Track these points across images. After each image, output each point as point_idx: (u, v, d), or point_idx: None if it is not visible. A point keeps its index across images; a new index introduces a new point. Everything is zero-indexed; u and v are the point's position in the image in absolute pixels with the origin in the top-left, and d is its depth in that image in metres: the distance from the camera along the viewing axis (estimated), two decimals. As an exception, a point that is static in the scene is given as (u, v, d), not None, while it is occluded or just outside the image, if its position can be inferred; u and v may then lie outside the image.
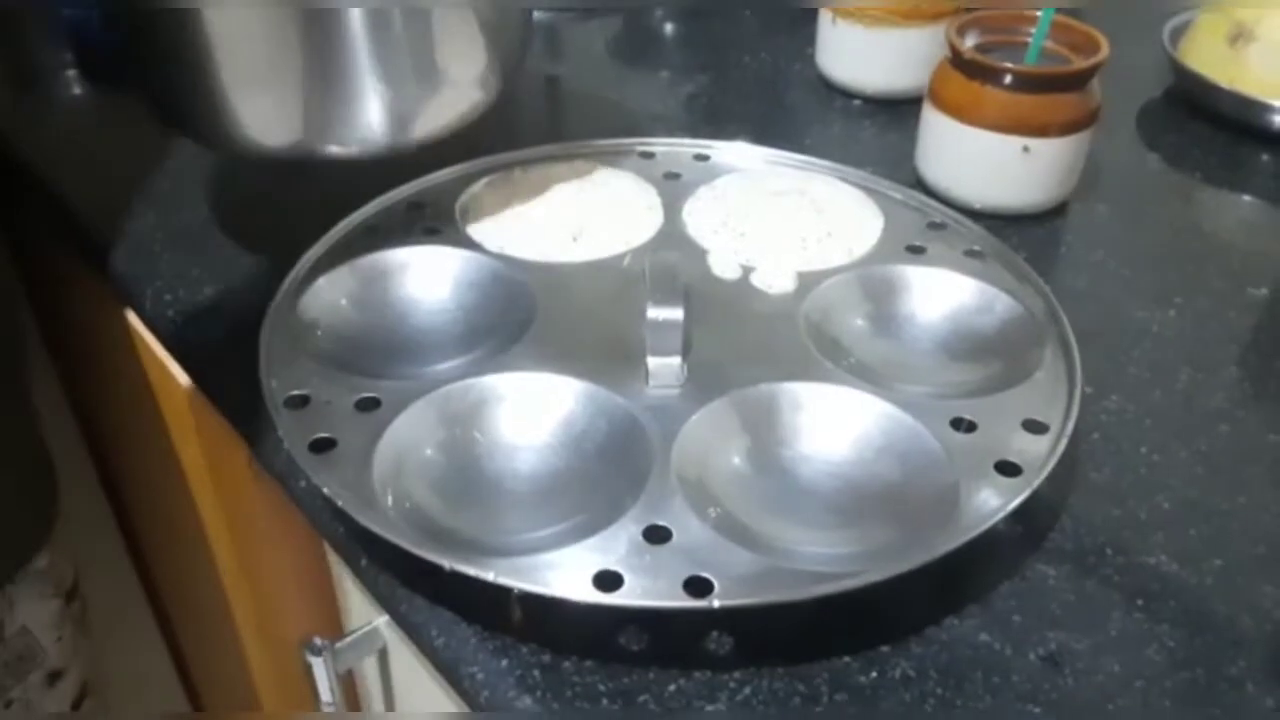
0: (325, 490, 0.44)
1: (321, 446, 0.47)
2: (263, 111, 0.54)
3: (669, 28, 0.95)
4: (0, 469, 0.63)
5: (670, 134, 0.70)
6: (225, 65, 0.53)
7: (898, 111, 0.76)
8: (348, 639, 0.56)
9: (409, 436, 0.48)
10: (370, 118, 0.55)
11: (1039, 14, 0.64)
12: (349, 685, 0.64)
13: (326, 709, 0.57)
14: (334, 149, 0.55)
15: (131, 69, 0.60)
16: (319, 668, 0.55)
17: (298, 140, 0.55)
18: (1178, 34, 0.80)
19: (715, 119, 0.78)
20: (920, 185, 0.68)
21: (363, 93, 0.54)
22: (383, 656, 0.60)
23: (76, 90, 0.82)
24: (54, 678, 0.69)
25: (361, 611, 0.62)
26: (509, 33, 0.59)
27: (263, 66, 0.53)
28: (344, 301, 0.55)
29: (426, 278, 0.57)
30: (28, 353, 0.69)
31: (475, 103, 0.58)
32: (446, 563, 0.41)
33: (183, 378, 0.61)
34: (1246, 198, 0.73)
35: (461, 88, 0.57)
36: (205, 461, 0.67)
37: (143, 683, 1.14)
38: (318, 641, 0.55)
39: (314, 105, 0.54)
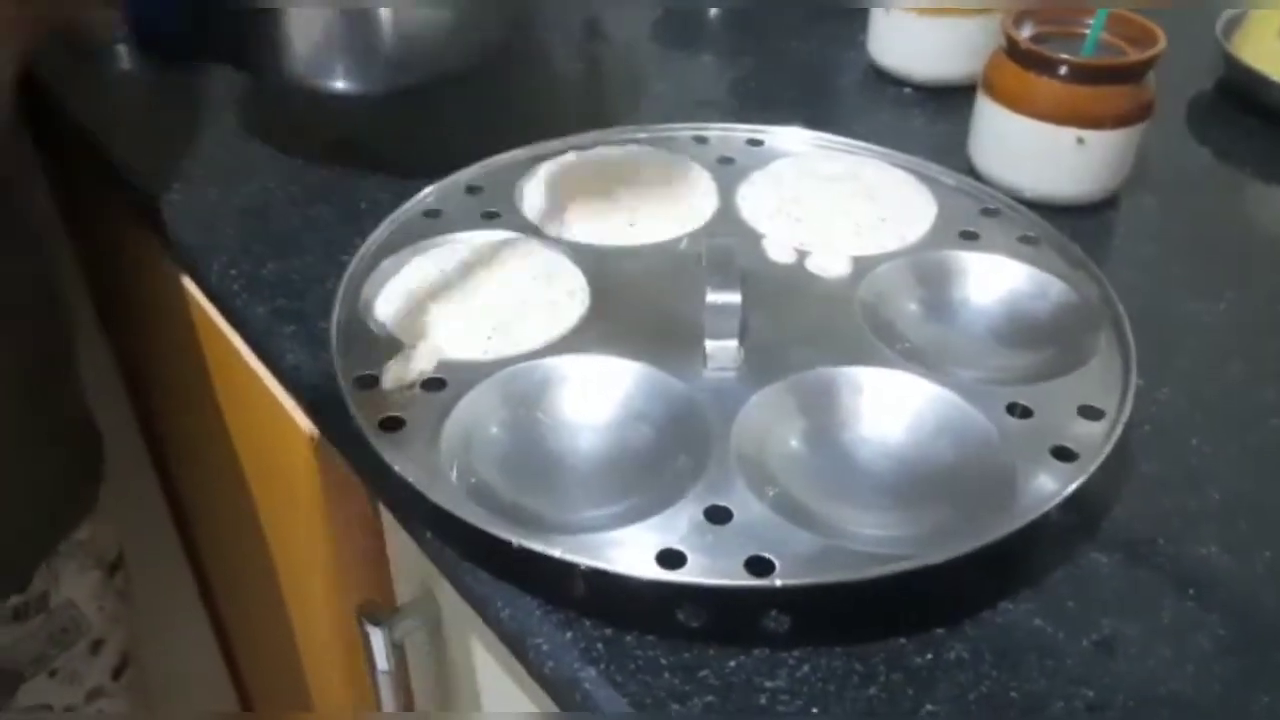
0: (396, 468, 0.45)
1: (391, 425, 0.48)
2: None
3: (713, 13, 0.95)
4: (43, 442, 0.64)
5: (720, 117, 0.71)
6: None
7: (949, 100, 0.76)
8: (405, 609, 0.58)
9: (474, 416, 0.49)
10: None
11: (1095, 7, 0.64)
12: (400, 659, 0.66)
13: (382, 675, 0.58)
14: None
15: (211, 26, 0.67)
16: (376, 637, 0.57)
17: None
18: (1231, 27, 0.80)
19: (764, 105, 0.78)
20: (972, 174, 0.68)
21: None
22: (435, 631, 0.61)
23: (128, 65, 0.83)
24: (96, 646, 0.71)
25: (411, 586, 0.63)
26: None
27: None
28: (407, 283, 0.56)
29: (487, 260, 0.58)
30: (72, 323, 0.70)
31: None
32: (515, 539, 0.42)
33: (245, 351, 0.62)
34: (1297, 192, 0.73)
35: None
36: (259, 436, 0.69)
37: (184, 653, 1.16)
38: (376, 613, 0.56)
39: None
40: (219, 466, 0.81)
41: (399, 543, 0.62)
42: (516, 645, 0.44)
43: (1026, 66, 0.64)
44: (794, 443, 0.48)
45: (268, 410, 0.61)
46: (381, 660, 0.57)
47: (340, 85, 0.64)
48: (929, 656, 0.43)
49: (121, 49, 0.83)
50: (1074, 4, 0.66)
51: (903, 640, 0.44)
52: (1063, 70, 0.63)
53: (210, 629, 1.19)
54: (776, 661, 0.43)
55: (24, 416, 0.62)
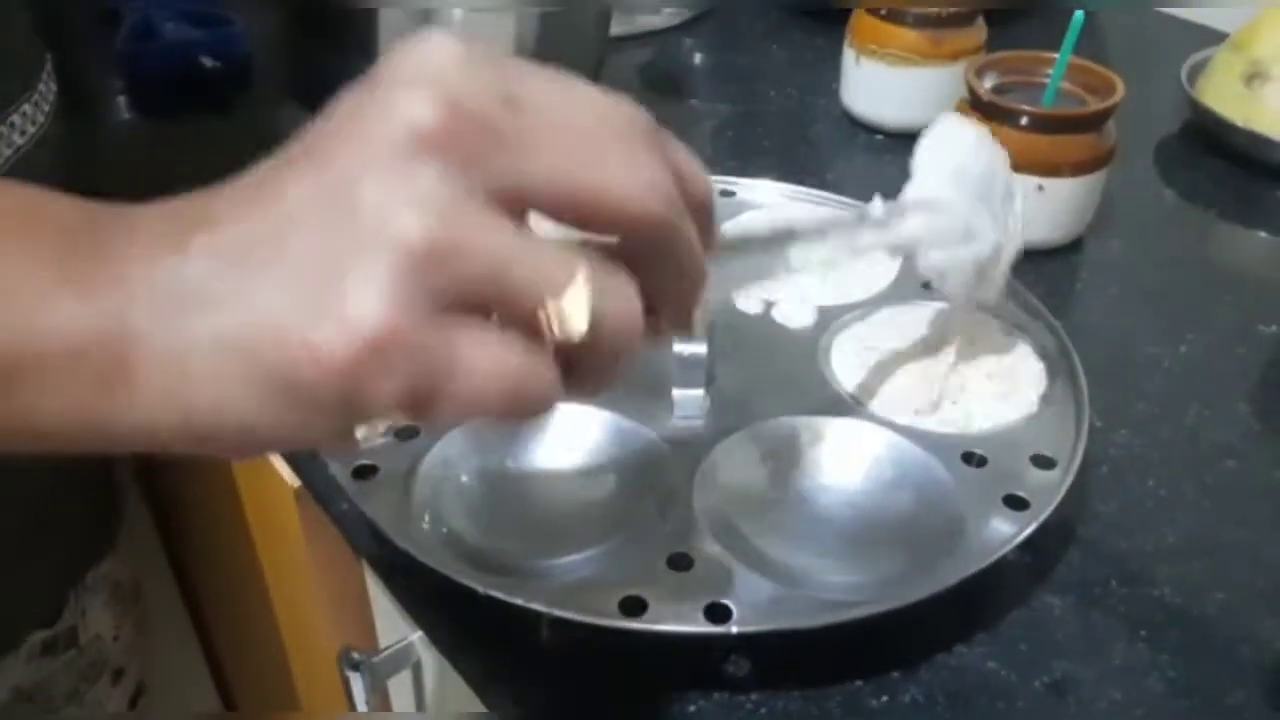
0: (368, 514, 0.47)
1: (364, 473, 0.49)
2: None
3: (698, 58, 0.98)
4: (74, 474, 0.65)
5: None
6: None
7: (919, 147, 0.78)
8: (384, 653, 0.59)
9: (445, 464, 0.50)
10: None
11: (1056, 56, 0.66)
12: (382, 698, 0.67)
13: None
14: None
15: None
16: (356, 680, 0.58)
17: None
18: (1195, 72, 0.82)
19: (742, 151, 0.80)
20: (939, 220, 0.70)
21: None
22: (416, 671, 0.62)
23: (125, 116, 0.85)
24: (117, 676, 0.72)
25: (395, 628, 0.64)
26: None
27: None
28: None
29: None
30: None
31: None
32: (481, 587, 0.44)
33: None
34: (1260, 234, 0.75)
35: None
36: (247, 485, 0.70)
37: (181, 686, 1.17)
38: (356, 655, 0.58)
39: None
40: (214, 514, 0.83)
41: (379, 587, 0.63)
42: (483, 691, 0.46)
43: (988, 116, 0.66)
44: (756, 490, 0.50)
45: (255, 460, 0.63)
46: (361, 703, 0.58)
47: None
48: (885, 699, 0.44)
49: (121, 100, 0.85)
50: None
51: (859, 683, 0.45)
52: (1023, 120, 0.65)
53: (205, 664, 1.20)
54: (735, 705, 0.44)
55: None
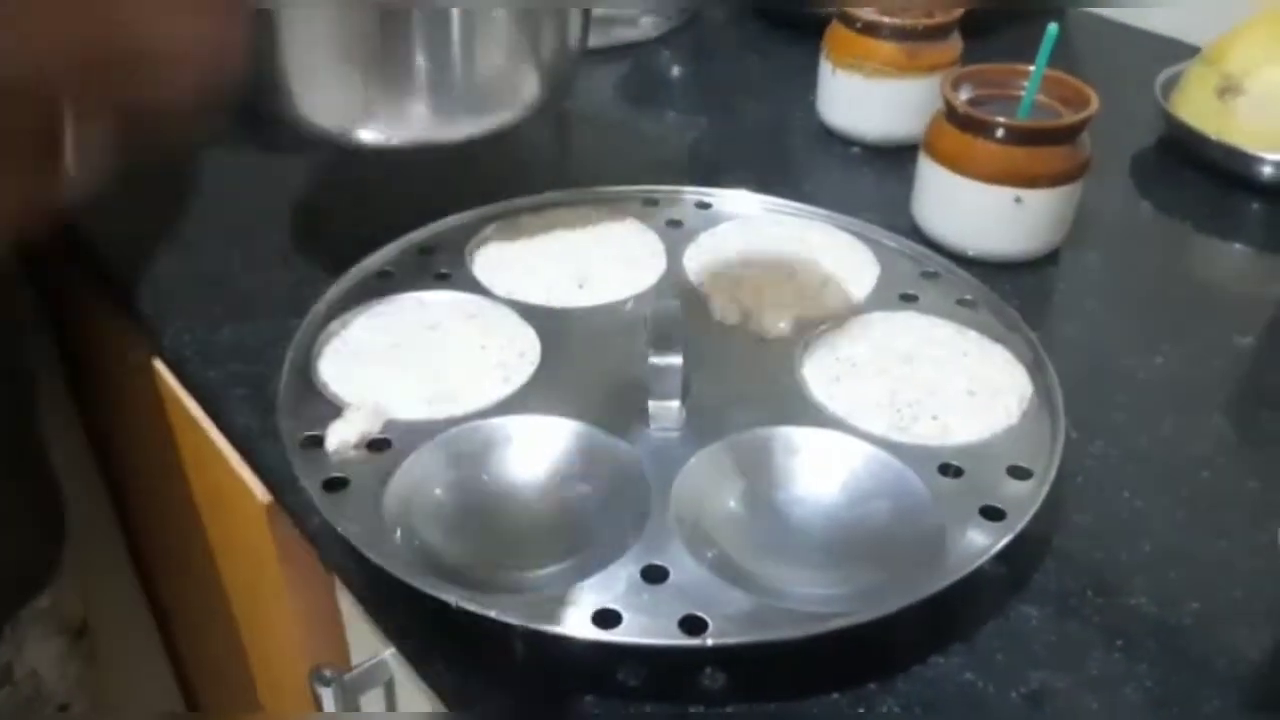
0: (339, 529, 0.46)
1: (334, 486, 0.49)
2: (325, 95, 0.59)
3: (676, 70, 0.98)
4: (5, 509, 0.64)
5: (675, 177, 0.72)
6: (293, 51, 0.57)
7: (895, 158, 0.78)
8: (356, 671, 0.58)
9: (418, 477, 0.50)
10: (418, 111, 0.59)
11: (1031, 69, 0.67)
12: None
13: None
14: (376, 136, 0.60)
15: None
16: (328, 698, 0.57)
17: (349, 124, 0.59)
18: (1169, 86, 0.82)
19: (718, 163, 0.80)
20: (916, 232, 0.70)
21: (414, 87, 0.58)
22: (389, 688, 0.61)
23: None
24: (62, 709, 0.71)
25: (368, 645, 0.63)
26: (559, 48, 0.63)
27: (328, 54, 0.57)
28: (356, 344, 0.58)
29: (437, 321, 0.59)
30: (35, 385, 0.71)
31: (516, 111, 0.62)
32: (453, 599, 0.43)
33: (200, 416, 0.63)
34: (1236, 246, 0.75)
35: (504, 94, 0.61)
36: (219, 498, 0.69)
37: (148, 710, 1.16)
38: (327, 673, 0.57)
39: (369, 94, 0.58)
40: (181, 527, 0.82)
41: (351, 603, 0.63)
42: (457, 705, 0.45)
43: (964, 129, 0.66)
44: (731, 502, 0.50)
45: (224, 474, 0.62)
46: (333, 720, 0.58)
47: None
48: (861, 711, 0.44)
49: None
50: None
51: (836, 695, 0.44)
52: (999, 133, 0.65)
53: (177, 687, 1.18)
54: (711, 718, 0.43)
55: None
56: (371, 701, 0.62)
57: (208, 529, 0.77)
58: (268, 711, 0.90)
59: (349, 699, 0.57)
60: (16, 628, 0.66)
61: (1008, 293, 0.63)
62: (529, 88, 0.61)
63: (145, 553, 1.08)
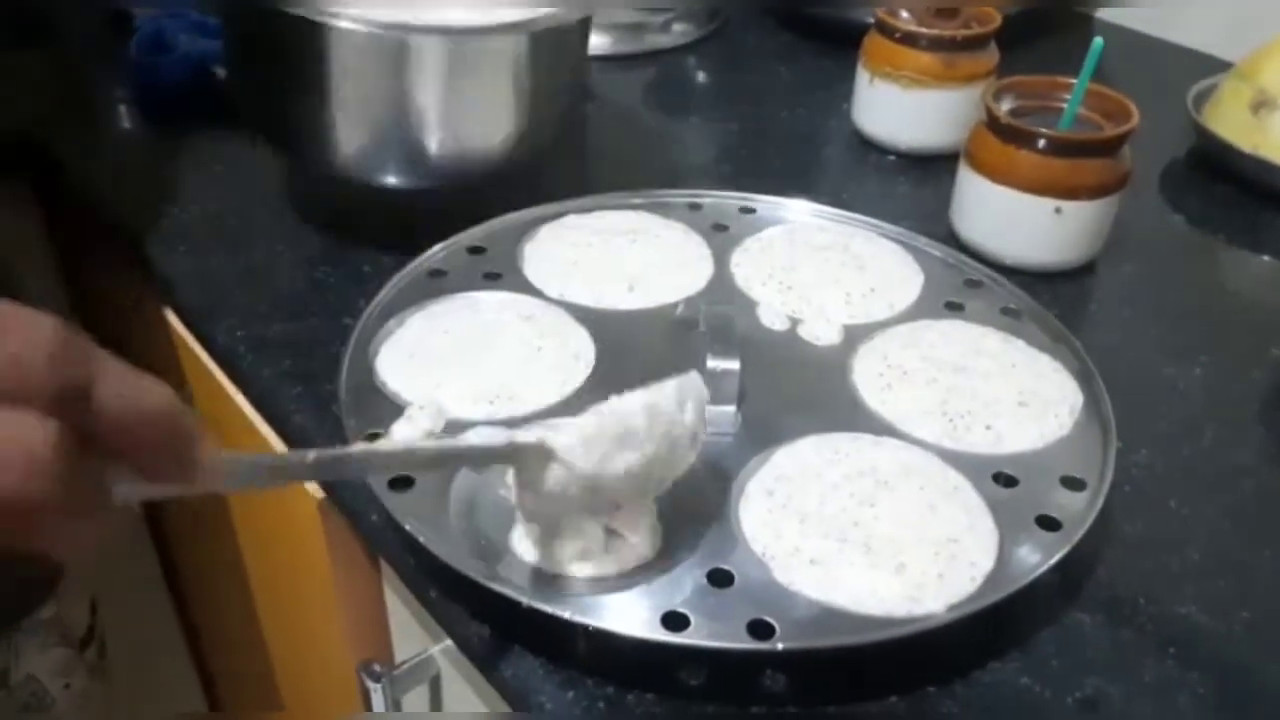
0: (407, 527, 0.47)
1: (400, 484, 0.49)
2: (358, 142, 0.64)
3: (705, 77, 0.98)
4: None
5: (711, 185, 0.73)
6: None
7: (932, 168, 0.79)
8: (404, 666, 0.59)
9: (481, 477, 0.50)
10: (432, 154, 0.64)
11: (1074, 82, 0.67)
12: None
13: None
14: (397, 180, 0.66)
15: (246, 96, 0.69)
16: (376, 693, 0.58)
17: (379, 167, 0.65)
18: (1202, 99, 0.83)
19: (754, 171, 0.81)
20: (954, 240, 0.70)
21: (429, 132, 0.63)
22: (434, 685, 0.62)
23: (128, 125, 0.85)
24: None
25: (412, 641, 0.64)
26: (556, 97, 0.67)
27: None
28: (413, 343, 0.58)
29: (493, 322, 0.60)
30: None
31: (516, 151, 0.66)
32: (524, 599, 0.44)
33: (250, 413, 0.63)
34: (1268, 259, 0.76)
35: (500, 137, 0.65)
36: (262, 499, 0.70)
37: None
38: (376, 668, 0.57)
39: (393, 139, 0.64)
40: (218, 531, 0.82)
41: (399, 601, 0.63)
42: (519, 704, 0.46)
43: (1006, 139, 0.66)
44: (791, 508, 0.50)
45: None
46: (381, 717, 0.58)
47: (391, 180, 0.66)
48: (920, 714, 0.45)
49: (122, 109, 0.85)
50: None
51: (894, 699, 0.45)
52: (1041, 144, 0.65)
53: (201, 692, 1.18)
54: (773, 718, 0.44)
55: None
56: (414, 700, 0.63)
57: (246, 532, 0.77)
58: (288, 712, 0.90)
59: (396, 695, 0.58)
60: (14, 636, 0.65)
61: (1047, 302, 0.63)
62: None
63: (175, 554, 1.08)
